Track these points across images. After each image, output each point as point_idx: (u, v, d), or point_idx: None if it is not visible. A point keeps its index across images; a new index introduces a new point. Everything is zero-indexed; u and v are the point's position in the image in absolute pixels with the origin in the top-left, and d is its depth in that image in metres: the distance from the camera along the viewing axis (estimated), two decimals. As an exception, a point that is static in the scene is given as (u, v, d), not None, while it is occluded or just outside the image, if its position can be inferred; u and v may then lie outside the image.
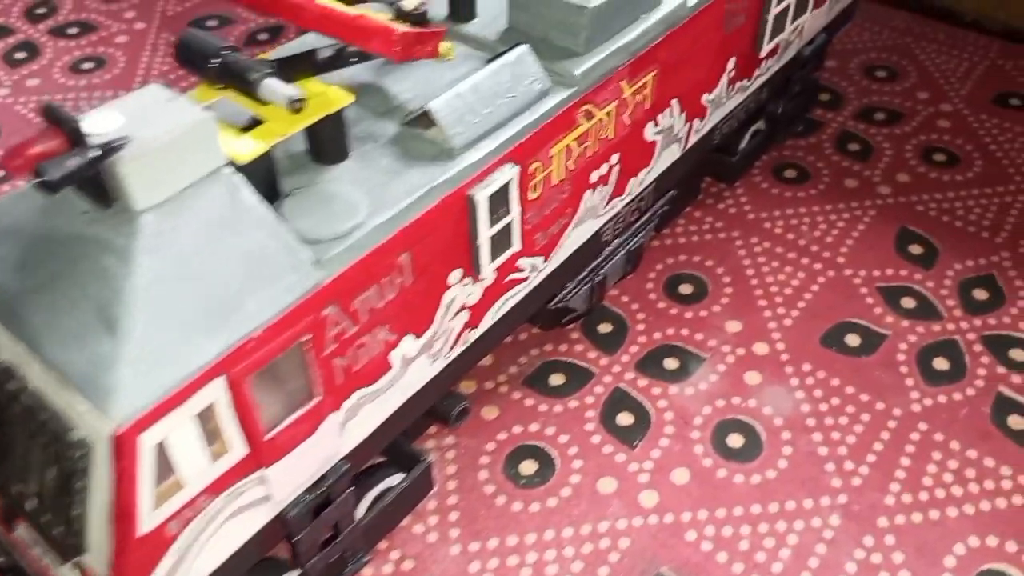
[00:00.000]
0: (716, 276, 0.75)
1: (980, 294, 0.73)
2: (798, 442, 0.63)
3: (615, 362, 0.68)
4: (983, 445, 0.62)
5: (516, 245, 0.51)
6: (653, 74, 0.57)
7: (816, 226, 0.79)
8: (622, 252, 0.66)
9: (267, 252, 0.39)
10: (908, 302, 0.72)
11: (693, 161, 0.70)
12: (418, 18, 0.50)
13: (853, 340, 0.70)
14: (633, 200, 0.64)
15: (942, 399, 0.65)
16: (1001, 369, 0.67)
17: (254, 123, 0.42)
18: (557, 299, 0.62)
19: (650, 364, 0.68)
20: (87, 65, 0.98)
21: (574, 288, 0.62)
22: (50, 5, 1.08)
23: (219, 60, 0.41)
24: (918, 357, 0.68)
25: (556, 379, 0.67)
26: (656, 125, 0.61)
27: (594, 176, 0.57)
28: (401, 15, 0.50)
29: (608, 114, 0.55)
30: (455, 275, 0.48)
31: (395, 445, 0.57)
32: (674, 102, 0.62)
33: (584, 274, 0.63)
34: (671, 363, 0.68)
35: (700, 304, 0.73)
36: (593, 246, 0.61)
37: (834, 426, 0.64)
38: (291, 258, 0.39)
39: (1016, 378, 0.66)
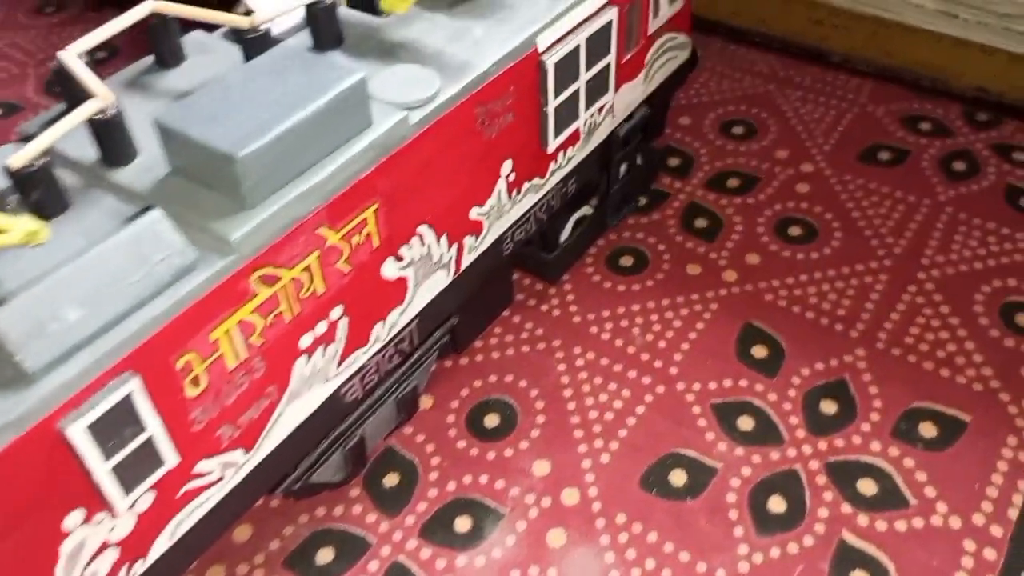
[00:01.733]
0: (528, 401, 0.64)
1: (828, 407, 0.63)
2: (601, 624, 0.52)
3: (397, 526, 0.58)
4: (819, 616, 0.52)
5: (170, 460, 0.40)
6: (374, 208, 0.46)
7: (649, 327, 0.69)
8: (388, 401, 0.55)
9: None
10: (745, 422, 0.62)
11: (479, 279, 0.59)
12: (25, 180, 0.39)
13: (678, 478, 0.59)
14: (388, 345, 0.53)
15: (775, 553, 0.55)
16: (846, 508, 0.57)
17: None
18: (292, 479, 0.51)
19: (438, 527, 0.57)
20: None
21: (317, 461, 0.52)
22: None
23: None
24: (751, 497, 0.58)
25: (324, 555, 0.56)
26: (400, 260, 0.50)
27: (307, 340, 0.46)
28: (11, 175, 0.40)
29: (306, 269, 0.44)
30: (75, 517, 0.37)
31: None
32: (423, 229, 0.51)
33: (328, 443, 0.52)
34: (463, 523, 0.57)
35: (506, 440, 0.62)
36: (331, 411, 0.51)
37: (646, 598, 0.53)
38: None
39: (862, 518, 0.56)
